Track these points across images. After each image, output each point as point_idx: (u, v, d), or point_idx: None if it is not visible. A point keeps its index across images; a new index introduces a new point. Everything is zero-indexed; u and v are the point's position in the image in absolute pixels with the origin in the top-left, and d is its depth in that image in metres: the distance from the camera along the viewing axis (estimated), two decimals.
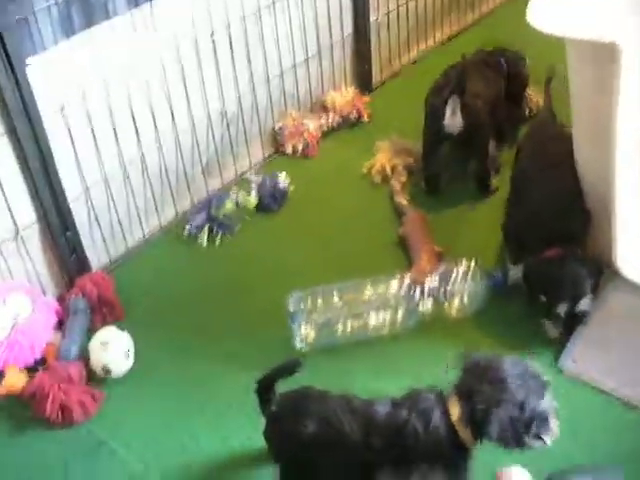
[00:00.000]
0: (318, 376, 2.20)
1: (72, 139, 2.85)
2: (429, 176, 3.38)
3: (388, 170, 3.49)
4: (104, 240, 3.12)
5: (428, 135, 3.30)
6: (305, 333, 2.70)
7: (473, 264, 2.80)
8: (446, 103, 3.11)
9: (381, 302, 2.73)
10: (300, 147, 3.69)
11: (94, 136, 2.92)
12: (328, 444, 2.02)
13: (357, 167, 3.58)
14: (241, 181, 3.56)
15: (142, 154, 3.12)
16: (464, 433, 1.95)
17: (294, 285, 2.78)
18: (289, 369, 2.12)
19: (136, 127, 3.05)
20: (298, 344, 2.71)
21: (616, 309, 2.69)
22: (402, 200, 3.33)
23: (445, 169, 3.40)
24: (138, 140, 3.08)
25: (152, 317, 2.95)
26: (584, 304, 2.58)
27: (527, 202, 2.80)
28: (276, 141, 3.73)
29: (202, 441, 2.49)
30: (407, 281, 2.76)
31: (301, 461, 2.08)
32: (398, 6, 4.11)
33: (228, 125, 3.45)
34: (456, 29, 4.63)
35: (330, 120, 3.82)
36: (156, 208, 3.28)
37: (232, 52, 3.34)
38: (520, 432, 1.93)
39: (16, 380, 2.67)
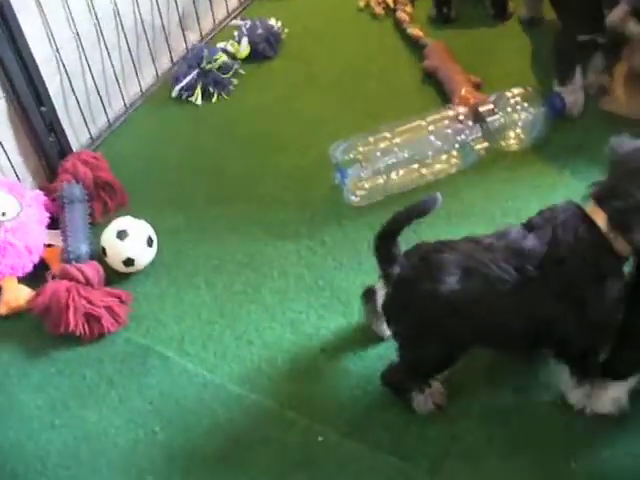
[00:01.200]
0: None
1: None
2: None
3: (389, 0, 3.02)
4: (82, 114, 2.57)
5: None
6: (356, 184, 2.30)
7: (529, 89, 2.42)
8: None
9: (439, 139, 2.34)
10: None
11: None
12: (475, 298, 1.63)
13: (351, 1, 3.10)
14: (223, 30, 3.02)
15: (115, 4, 2.55)
16: (617, 241, 1.58)
17: (321, 136, 2.46)
18: (423, 208, 1.69)
19: None
20: (350, 197, 2.32)
21: None
22: (416, 31, 2.88)
23: None
24: None
25: (162, 196, 2.45)
26: None
27: None
28: None
29: (266, 331, 2.05)
30: (460, 114, 2.37)
31: (438, 333, 1.69)
32: None
33: None
34: None
35: None
36: (135, 69, 2.73)
37: None
38: None
39: (18, 294, 2.17)
